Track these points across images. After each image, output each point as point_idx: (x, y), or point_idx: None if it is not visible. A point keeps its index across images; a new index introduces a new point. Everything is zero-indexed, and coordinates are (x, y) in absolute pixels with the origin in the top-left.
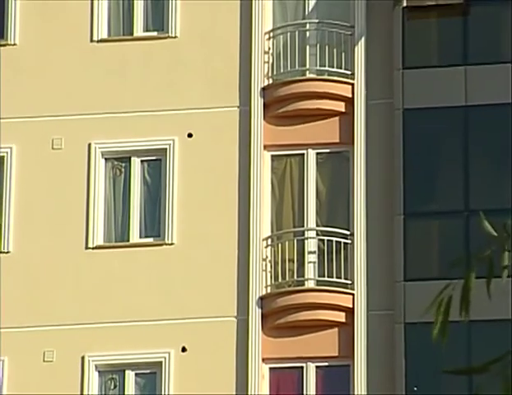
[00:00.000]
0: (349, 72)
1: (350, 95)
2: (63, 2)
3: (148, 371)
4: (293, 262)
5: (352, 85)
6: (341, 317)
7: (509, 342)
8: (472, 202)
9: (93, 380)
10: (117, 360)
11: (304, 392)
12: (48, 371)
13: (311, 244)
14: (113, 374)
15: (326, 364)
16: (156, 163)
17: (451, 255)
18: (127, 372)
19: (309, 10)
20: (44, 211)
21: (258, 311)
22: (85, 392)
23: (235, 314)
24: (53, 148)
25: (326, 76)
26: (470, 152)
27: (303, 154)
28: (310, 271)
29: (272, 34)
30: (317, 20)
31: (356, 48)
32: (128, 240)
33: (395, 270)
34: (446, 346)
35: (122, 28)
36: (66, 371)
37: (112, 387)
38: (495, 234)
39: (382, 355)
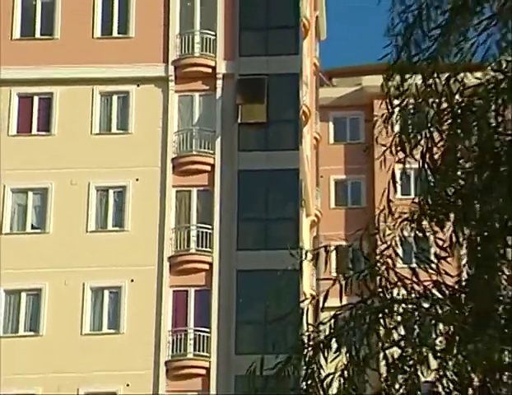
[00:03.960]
0: (212, 152)
1: (212, 163)
2: (76, 111)
3: (115, 291)
4: (184, 240)
5: (214, 158)
6: (206, 266)
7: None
8: (269, 214)
9: (88, 295)
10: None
11: (188, 301)
12: (67, 290)
13: (194, 233)
14: (98, 291)
15: (199, 289)
16: (121, 192)
17: (258, 235)
18: (105, 291)
19: (195, 122)
20: (66, 213)
21: (168, 263)
22: (85, 302)
23: (157, 265)
24: (71, 184)
25: (201, 154)
26: (269, 188)
27: (190, 191)
28: (193, 244)
29: (177, 133)
30: (198, 127)
31: (216, 141)
32: (106, 228)
33: (232, 243)
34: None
35: (106, 127)
36: (75, 290)
37: (100, 296)
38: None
39: (226, 282)
